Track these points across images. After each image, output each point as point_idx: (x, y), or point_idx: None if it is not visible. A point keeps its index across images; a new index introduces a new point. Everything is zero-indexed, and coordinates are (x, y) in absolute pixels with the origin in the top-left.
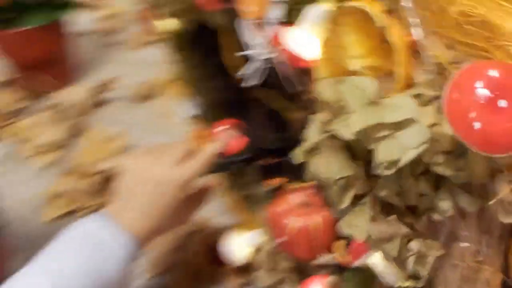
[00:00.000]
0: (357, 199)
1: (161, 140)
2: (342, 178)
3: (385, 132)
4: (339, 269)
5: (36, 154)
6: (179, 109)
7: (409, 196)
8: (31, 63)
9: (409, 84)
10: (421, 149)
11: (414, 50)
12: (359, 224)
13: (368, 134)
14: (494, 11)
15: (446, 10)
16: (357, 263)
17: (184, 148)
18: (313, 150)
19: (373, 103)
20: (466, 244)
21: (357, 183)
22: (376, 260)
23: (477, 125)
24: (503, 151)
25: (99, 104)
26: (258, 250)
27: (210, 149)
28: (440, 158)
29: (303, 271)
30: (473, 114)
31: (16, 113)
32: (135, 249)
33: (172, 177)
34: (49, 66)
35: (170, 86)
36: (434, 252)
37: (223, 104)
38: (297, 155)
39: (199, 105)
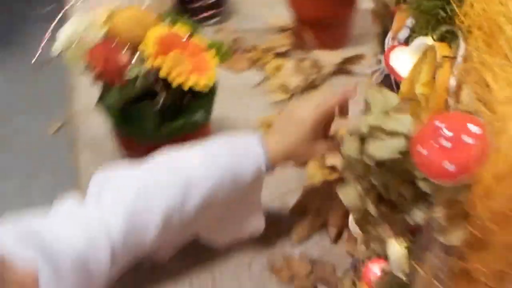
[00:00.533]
0: (360, 178)
1: None
2: (352, 157)
3: (381, 135)
4: None
5: (274, 91)
6: None
7: (391, 193)
8: (312, 20)
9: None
10: (392, 156)
11: (449, 94)
12: (349, 193)
13: (372, 132)
14: None
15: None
16: None
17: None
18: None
19: (386, 112)
20: (434, 257)
21: (359, 165)
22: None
23: (424, 152)
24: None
25: (340, 72)
26: None
27: (345, 92)
28: (419, 174)
29: None
30: (423, 144)
31: (279, 54)
32: (269, 166)
33: (308, 115)
34: (325, 28)
35: None
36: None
37: None
38: None
39: None
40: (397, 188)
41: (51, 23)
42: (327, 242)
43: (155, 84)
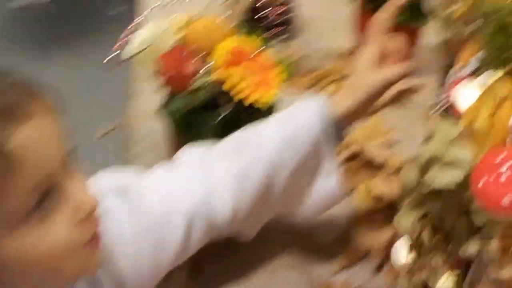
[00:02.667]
0: (417, 206)
1: None
2: (410, 184)
3: (442, 165)
4: None
5: None
6: None
7: (446, 223)
8: None
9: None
10: (450, 185)
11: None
12: (405, 219)
13: (432, 160)
14: None
15: None
16: None
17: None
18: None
19: (448, 142)
20: None
21: (417, 192)
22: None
23: (483, 185)
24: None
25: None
26: None
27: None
28: (474, 207)
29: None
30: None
31: (338, 80)
32: (333, 126)
33: (375, 77)
34: None
35: None
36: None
37: None
38: None
39: None
40: (452, 219)
41: (126, 25)
42: (368, 273)
43: (218, 96)
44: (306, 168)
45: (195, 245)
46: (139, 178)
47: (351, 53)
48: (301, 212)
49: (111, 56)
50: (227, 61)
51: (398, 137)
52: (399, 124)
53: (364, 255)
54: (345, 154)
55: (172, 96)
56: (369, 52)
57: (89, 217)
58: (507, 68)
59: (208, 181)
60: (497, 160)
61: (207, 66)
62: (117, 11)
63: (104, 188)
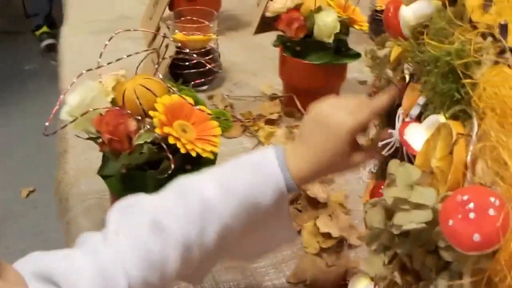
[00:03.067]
0: (385, 249)
1: None
2: (376, 228)
3: (406, 206)
4: None
5: None
6: None
7: (415, 263)
8: (302, 89)
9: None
10: (419, 226)
11: (467, 167)
12: (375, 263)
13: (396, 203)
14: None
15: None
16: None
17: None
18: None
19: (410, 185)
20: None
21: (384, 236)
22: None
23: (453, 225)
24: (465, 247)
25: None
26: None
27: (381, 99)
28: (442, 243)
29: None
30: (451, 217)
31: (270, 122)
32: (290, 188)
33: (343, 121)
34: (315, 96)
35: None
36: None
37: None
38: None
39: None
40: (421, 258)
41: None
42: None
43: (161, 152)
44: (258, 223)
45: None
46: (60, 262)
47: (276, 97)
48: (248, 257)
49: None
50: (167, 116)
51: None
52: None
53: None
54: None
55: (112, 157)
56: (348, 122)
57: None
58: (451, 112)
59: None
60: (464, 198)
61: (146, 124)
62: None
63: (27, 274)
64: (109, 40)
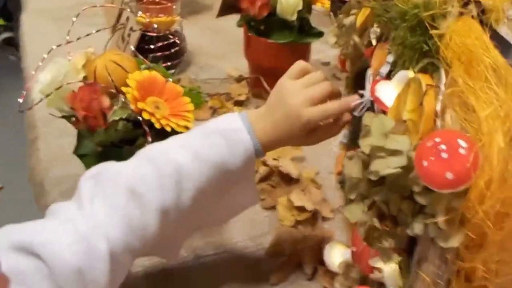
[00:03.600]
0: (364, 197)
1: None
2: (354, 178)
3: (382, 154)
4: None
5: None
6: None
7: (392, 209)
8: (268, 69)
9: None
10: (395, 171)
11: (437, 116)
12: (355, 211)
13: (373, 151)
14: None
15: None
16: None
17: (328, 91)
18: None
19: (385, 134)
20: (431, 266)
21: (362, 184)
22: (380, 265)
23: (427, 165)
24: (439, 185)
25: None
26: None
27: (336, 105)
28: (417, 188)
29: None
30: (425, 158)
31: (239, 103)
32: (258, 153)
33: (300, 114)
34: (281, 76)
35: None
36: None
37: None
38: None
39: None
40: (397, 204)
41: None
42: (303, 280)
43: (136, 128)
44: (226, 186)
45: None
46: (38, 233)
47: (243, 78)
48: (215, 221)
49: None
50: (140, 92)
51: (306, 152)
52: None
53: (297, 265)
54: (262, 172)
55: (88, 134)
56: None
57: None
58: (420, 65)
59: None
60: (436, 140)
61: (120, 99)
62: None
63: (2, 248)
64: (76, 17)
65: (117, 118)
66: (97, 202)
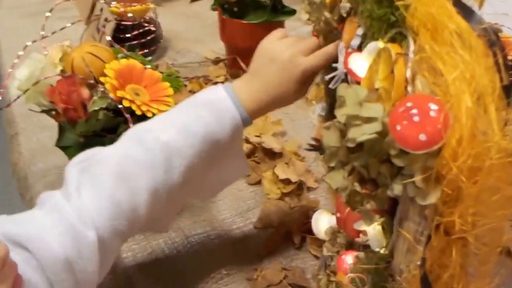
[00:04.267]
0: (343, 164)
1: None
2: (333, 146)
3: (358, 122)
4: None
5: None
6: None
7: (372, 173)
8: (244, 49)
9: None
10: (371, 136)
11: (408, 82)
12: (336, 178)
13: (349, 120)
14: None
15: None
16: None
17: (315, 44)
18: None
19: (359, 103)
20: (411, 224)
21: (341, 152)
22: (364, 228)
23: (401, 129)
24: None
25: None
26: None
27: (333, 46)
28: (393, 151)
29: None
30: (398, 123)
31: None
32: (245, 121)
33: (297, 63)
34: None
35: None
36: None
37: None
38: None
39: None
40: (376, 167)
41: None
42: (292, 249)
43: (116, 117)
44: (215, 158)
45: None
46: (24, 224)
47: (220, 60)
48: (206, 193)
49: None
50: (119, 80)
51: (286, 127)
52: (284, 114)
53: (286, 235)
54: (245, 150)
55: (69, 126)
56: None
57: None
58: (389, 35)
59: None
60: (408, 105)
61: (99, 89)
62: None
63: None
64: (50, 11)
65: (97, 108)
66: (84, 189)
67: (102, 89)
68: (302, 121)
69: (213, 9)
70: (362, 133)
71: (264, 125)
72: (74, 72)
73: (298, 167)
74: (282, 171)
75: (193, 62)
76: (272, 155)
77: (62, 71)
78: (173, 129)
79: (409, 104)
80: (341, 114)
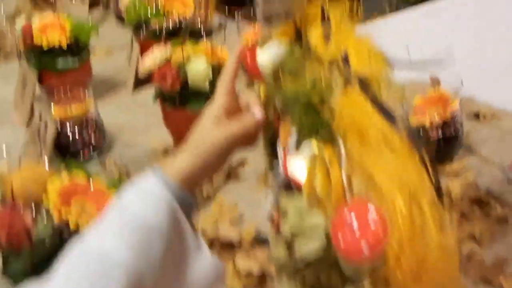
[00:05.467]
0: (293, 274)
1: None
2: (282, 259)
3: (303, 235)
4: None
5: None
6: None
7: (323, 282)
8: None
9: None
10: (318, 255)
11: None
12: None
13: (294, 234)
14: None
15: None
16: None
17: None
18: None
19: (301, 214)
20: None
21: (291, 264)
22: None
23: (343, 239)
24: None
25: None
26: None
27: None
28: (341, 262)
29: None
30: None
31: None
32: (181, 196)
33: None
34: None
35: None
36: None
37: None
38: None
39: None
40: (327, 277)
41: None
42: None
43: (64, 238)
44: (172, 256)
45: None
46: None
47: (168, 150)
48: None
49: None
50: (62, 199)
51: (242, 210)
52: (239, 198)
53: None
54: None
55: (13, 254)
56: (213, 109)
57: None
58: (320, 137)
59: None
60: (345, 216)
61: (41, 213)
62: None
63: None
64: None
65: (42, 234)
66: None
67: (46, 211)
68: (257, 205)
69: (154, 100)
70: (306, 249)
71: (220, 212)
72: (14, 197)
73: (259, 255)
74: (242, 263)
75: (142, 156)
76: (231, 247)
77: (2, 197)
78: (111, 240)
79: (347, 215)
80: (285, 227)
